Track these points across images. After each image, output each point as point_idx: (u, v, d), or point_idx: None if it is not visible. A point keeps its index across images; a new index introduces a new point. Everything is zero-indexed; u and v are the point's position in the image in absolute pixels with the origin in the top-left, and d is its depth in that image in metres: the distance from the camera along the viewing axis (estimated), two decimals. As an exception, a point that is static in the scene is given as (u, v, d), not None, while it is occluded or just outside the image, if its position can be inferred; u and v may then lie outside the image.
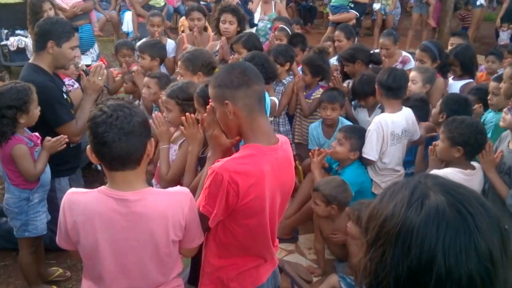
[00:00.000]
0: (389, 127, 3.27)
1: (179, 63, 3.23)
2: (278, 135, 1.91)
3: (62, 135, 2.85)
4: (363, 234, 0.99)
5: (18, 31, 6.33)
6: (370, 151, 3.30)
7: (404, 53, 4.92)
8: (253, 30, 5.28)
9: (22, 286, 3.03)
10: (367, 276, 0.94)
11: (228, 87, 1.76)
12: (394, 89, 3.31)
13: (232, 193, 1.68)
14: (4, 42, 6.37)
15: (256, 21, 5.63)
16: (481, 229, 0.86)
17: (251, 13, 5.51)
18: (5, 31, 6.40)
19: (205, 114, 2.25)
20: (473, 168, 2.82)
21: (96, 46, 6.14)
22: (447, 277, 0.84)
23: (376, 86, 3.40)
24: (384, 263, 0.89)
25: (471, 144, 2.73)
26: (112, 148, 1.60)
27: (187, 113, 2.39)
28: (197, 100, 2.34)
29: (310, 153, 3.44)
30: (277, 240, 2.05)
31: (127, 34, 7.50)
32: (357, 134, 3.38)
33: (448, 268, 0.84)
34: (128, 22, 7.46)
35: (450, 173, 2.71)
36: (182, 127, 2.40)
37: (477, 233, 0.86)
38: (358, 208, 2.76)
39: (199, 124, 2.35)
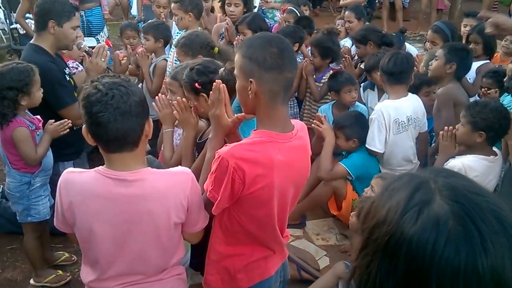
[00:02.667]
0: (391, 114, 3.14)
1: (176, 50, 3.15)
2: (294, 121, 1.78)
3: (65, 119, 2.79)
4: (359, 231, 0.89)
5: (27, 14, 6.26)
6: (372, 141, 3.20)
7: (408, 47, 4.74)
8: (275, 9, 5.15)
9: (29, 270, 3.02)
10: (355, 279, 0.83)
11: (258, 64, 1.59)
12: (396, 74, 3.17)
13: (238, 180, 1.59)
14: (14, 26, 6.33)
15: (256, 4, 5.50)
16: (489, 251, 0.71)
17: None
18: (15, 14, 6.36)
19: (196, 103, 2.19)
20: (495, 154, 2.72)
21: (105, 29, 6.08)
22: None
23: (379, 72, 3.28)
24: (368, 275, 0.78)
25: (494, 130, 2.63)
26: (108, 129, 1.52)
27: (178, 98, 2.29)
28: (185, 87, 2.25)
29: (316, 118, 3.32)
30: (287, 231, 1.96)
31: (135, 17, 7.44)
32: (348, 121, 3.30)
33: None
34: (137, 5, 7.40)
35: (474, 160, 2.62)
36: (175, 112, 2.30)
37: (483, 256, 0.70)
38: (364, 200, 2.68)
39: (192, 109, 2.26)
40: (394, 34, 4.94)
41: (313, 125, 3.29)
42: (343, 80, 3.63)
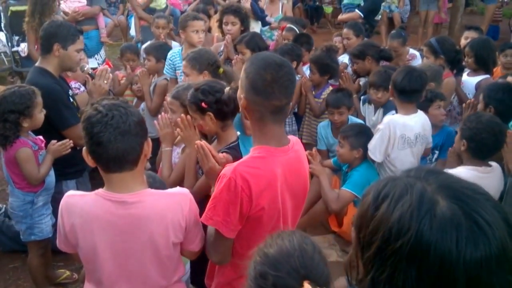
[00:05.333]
0: (398, 129, 3.11)
1: (184, 62, 3.19)
2: (289, 136, 1.81)
3: (67, 140, 2.84)
4: (358, 245, 0.90)
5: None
6: (373, 149, 3.20)
7: (411, 51, 4.84)
8: (266, 28, 5.22)
9: (30, 288, 3.03)
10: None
11: (250, 85, 1.63)
12: (408, 92, 3.08)
13: (246, 198, 1.61)
14: (15, 48, 6.44)
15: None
16: (498, 238, 0.79)
17: (263, 11, 5.45)
18: (17, 37, 6.47)
19: (201, 122, 2.23)
20: (489, 165, 2.69)
21: (102, 51, 6.14)
22: None
23: (390, 86, 3.22)
24: (396, 283, 0.81)
25: (476, 141, 2.62)
26: (108, 149, 1.56)
27: (182, 115, 2.35)
28: (190, 107, 2.29)
29: (308, 154, 3.26)
30: None
31: (134, 38, 7.52)
32: (354, 131, 3.28)
33: (470, 283, 0.77)
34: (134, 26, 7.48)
35: (463, 171, 2.60)
36: (178, 129, 2.35)
37: (495, 244, 0.78)
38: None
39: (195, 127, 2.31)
40: (395, 31, 5.01)
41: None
42: (327, 101, 3.69)
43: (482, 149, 2.65)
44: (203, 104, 2.20)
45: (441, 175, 0.87)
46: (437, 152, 3.57)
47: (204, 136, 2.47)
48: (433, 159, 3.60)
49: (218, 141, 2.32)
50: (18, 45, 6.39)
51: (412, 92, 3.09)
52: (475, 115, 2.74)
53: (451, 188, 0.83)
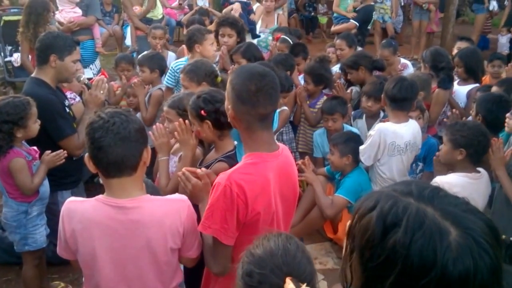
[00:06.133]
0: (388, 136, 3.19)
1: (181, 75, 3.23)
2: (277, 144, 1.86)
3: (61, 150, 2.84)
4: (361, 263, 0.90)
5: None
6: (363, 152, 3.28)
7: (402, 60, 4.91)
8: (255, 41, 5.28)
9: (24, 301, 3.00)
10: None
11: (236, 95, 1.69)
12: (399, 101, 3.16)
13: (242, 205, 1.65)
14: (8, 58, 6.44)
15: (257, 33, 5.64)
16: (497, 256, 0.84)
17: (253, 24, 5.51)
18: (9, 47, 6.47)
19: (199, 129, 2.26)
20: (478, 172, 2.77)
21: (97, 61, 6.16)
22: None
23: (382, 95, 3.30)
24: None
25: (473, 146, 2.70)
26: (108, 153, 1.61)
27: (180, 119, 2.40)
28: (190, 112, 2.33)
29: (300, 163, 3.29)
30: None
31: (129, 48, 7.55)
32: (343, 138, 3.37)
33: None
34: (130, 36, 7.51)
35: (455, 178, 2.67)
36: (175, 133, 2.40)
37: (496, 262, 0.84)
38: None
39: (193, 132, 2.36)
40: (386, 40, 5.11)
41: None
42: (322, 108, 3.79)
43: (480, 153, 2.73)
44: (202, 112, 2.24)
45: (441, 194, 0.89)
46: (420, 164, 3.64)
47: (200, 142, 2.51)
48: (417, 171, 3.67)
49: (215, 150, 2.35)
50: (11, 55, 6.38)
51: (403, 100, 3.18)
52: (460, 124, 2.82)
53: (453, 214, 0.85)
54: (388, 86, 3.21)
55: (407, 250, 0.82)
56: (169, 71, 4.07)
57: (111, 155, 1.62)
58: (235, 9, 5.25)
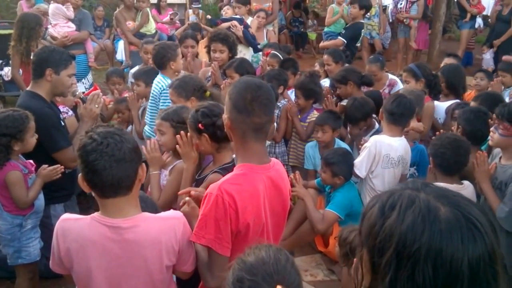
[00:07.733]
0: (384, 148, 3.26)
1: (170, 91, 3.25)
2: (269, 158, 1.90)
3: (58, 165, 2.86)
4: (368, 253, 0.97)
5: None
6: (359, 165, 3.33)
7: (390, 76, 5.02)
8: (259, 54, 5.35)
9: (16, 315, 2.98)
10: None
11: (233, 105, 1.74)
12: (396, 115, 3.27)
13: (233, 215, 1.67)
14: (-1, 73, 6.42)
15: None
16: (490, 235, 0.90)
17: (255, 38, 5.56)
18: (0, 61, 6.46)
19: (197, 141, 2.31)
20: (461, 183, 2.85)
21: (90, 76, 6.17)
22: (472, 285, 0.88)
23: (381, 110, 3.41)
24: (416, 281, 0.89)
25: (437, 156, 2.84)
26: (103, 176, 1.58)
27: (182, 132, 2.45)
28: (189, 126, 2.38)
29: (292, 178, 3.31)
30: None
31: (121, 62, 7.59)
32: (337, 159, 3.37)
33: (473, 277, 0.88)
34: (122, 50, 7.53)
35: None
36: (177, 146, 2.45)
37: (488, 240, 0.90)
38: (347, 232, 2.70)
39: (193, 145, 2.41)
40: (373, 56, 5.22)
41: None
42: (315, 120, 3.84)
43: (443, 164, 2.84)
44: (199, 125, 2.29)
45: (434, 186, 0.99)
46: (411, 169, 3.69)
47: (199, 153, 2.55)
48: (407, 176, 3.72)
49: (213, 162, 2.40)
50: (1, 69, 6.35)
51: (400, 115, 3.28)
52: (440, 135, 2.97)
53: (446, 197, 0.94)
54: (388, 101, 3.36)
55: (401, 224, 0.91)
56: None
57: (107, 178, 1.58)
58: (237, 26, 5.28)
